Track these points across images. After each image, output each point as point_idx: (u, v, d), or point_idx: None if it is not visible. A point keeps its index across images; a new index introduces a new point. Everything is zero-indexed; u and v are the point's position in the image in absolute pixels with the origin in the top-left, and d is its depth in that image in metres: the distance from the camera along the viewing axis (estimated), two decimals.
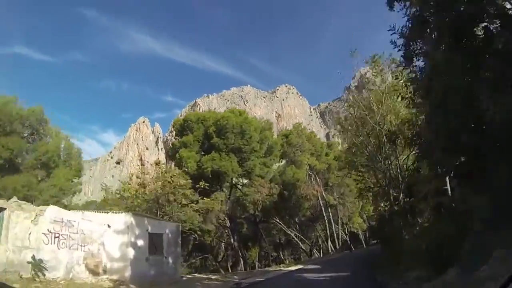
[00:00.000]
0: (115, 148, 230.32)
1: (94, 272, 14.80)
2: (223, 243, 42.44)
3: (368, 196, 26.62)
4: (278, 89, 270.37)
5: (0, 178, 21.26)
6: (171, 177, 19.15)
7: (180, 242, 18.42)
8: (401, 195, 19.00)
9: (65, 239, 14.03)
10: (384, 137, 18.77)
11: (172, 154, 33.70)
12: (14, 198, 14.00)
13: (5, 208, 13.16)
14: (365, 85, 20.14)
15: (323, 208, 44.29)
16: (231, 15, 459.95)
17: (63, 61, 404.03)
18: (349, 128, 23.06)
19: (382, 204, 24.51)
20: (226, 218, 36.50)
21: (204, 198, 22.79)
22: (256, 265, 42.57)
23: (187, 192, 20.76)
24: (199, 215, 30.34)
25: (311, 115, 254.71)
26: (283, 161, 43.45)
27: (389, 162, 19.72)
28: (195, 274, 23.15)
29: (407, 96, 11.77)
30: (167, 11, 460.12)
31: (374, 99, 19.43)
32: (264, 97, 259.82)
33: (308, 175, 42.50)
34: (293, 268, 24.75)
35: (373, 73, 20.06)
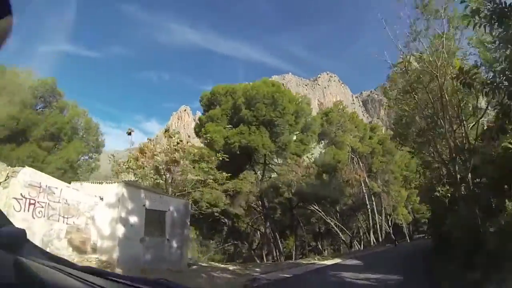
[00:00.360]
0: (157, 136, 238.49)
1: (79, 250, 12.31)
2: (258, 231, 39.47)
3: (425, 173, 21.63)
4: (319, 77, 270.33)
5: (5, 148, 19.96)
6: (177, 143, 15.98)
7: (189, 223, 15.39)
8: (469, 174, 14.24)
9: (42, 207, 11.58)
10: (446, 94, 14.08)
11: (198, 130, 30.93)
12: None
13: None
14: (417, 36, 15.33)
15: (366, 196, 40.13)
16: (271, 3, 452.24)
17: (107, 56, 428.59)
18: (399, 96, 18.48)
19: (439, 189, 19.34)
20: (258, 202, 33.34)
21: (223, 173, 19.30)
22: (293, 255, 39.32)
23: (203, 165, 17.59)
24: (225, 196, 27.48)
25: (353, 104, 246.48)
26: (323, 142, 39.18)
27: (453, 129, 14.98)
28: (212, 263, 20.10)
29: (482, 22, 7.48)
30: (205, 2, 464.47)
31: (431, 46, 14.79)
32: (305, 85, 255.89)
33: (351, 158, 37.97)
34: (329, 262, 20.86)
35: (425, 18, 15.39)
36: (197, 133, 31.95)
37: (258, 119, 26.82)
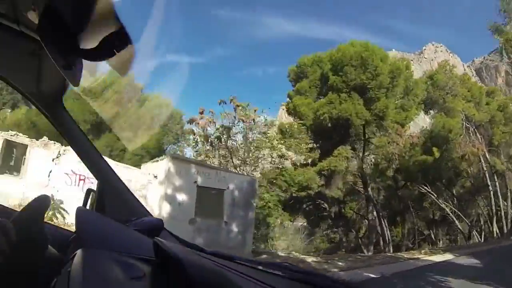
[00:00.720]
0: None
1: None
2: (365, 218, 35.35)
3: None
4: (425, 49, 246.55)
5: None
6: (234, 110, 13.68)
7: (254, 204, 13.19)
8: None
9: (92, 183, 11.10)
10: None
11: (286, 106, 28.72)
12: (44, 138, 13.02)
13: (26, 145, 12.59)
14: None
15: (487, 176, 31.84)
16: None
17: (210, 59, 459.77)
18: None
19: None
20: (358, 183, 29.38)
21: (306, 143, 16.21)
22: (402, 245, 33.94)
23: (277, 136, 15.07)
24: (320, 177, 24.91)
25: (465, 74, 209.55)
26: (430, 112, 32.32)
27: None
28: (293, 253, 17.45)
29: None
30: None
31: None
32: (411, 60, 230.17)
33: (465, 129, 30.16)
34: (437, 258, 15.85)
35: None
36: (287, 110, 29.85)
37: (348, 85, 23.10)
